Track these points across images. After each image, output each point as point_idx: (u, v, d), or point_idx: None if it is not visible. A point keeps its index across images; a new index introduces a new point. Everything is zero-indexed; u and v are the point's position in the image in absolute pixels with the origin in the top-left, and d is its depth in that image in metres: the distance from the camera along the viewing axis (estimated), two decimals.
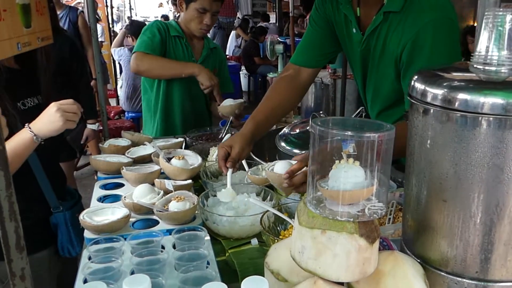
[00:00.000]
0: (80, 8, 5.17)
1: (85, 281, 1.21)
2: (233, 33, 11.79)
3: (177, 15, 2.85)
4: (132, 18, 12.34)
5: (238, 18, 12.89)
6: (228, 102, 2.55)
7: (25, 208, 1.22)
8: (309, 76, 2.09)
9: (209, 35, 3.06)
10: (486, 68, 0.93)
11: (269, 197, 1.70)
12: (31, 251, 0.76)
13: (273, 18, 12.76)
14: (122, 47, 6.26)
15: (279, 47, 8.89)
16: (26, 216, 1.26)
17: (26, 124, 1.58)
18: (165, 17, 13.27)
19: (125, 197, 1.65)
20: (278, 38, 9.42)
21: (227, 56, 11.47)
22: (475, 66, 0.95)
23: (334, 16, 1.93)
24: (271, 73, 9.01)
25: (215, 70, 2.87)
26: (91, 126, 3.65)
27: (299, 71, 2.07)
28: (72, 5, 5.94)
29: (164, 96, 2.78)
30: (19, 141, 1.56)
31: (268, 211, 1.49)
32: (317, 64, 2.10)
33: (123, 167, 1.90)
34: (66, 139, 3.36)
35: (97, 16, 7.33)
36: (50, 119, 1.57)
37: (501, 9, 0.89)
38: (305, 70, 2.07)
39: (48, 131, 1.58)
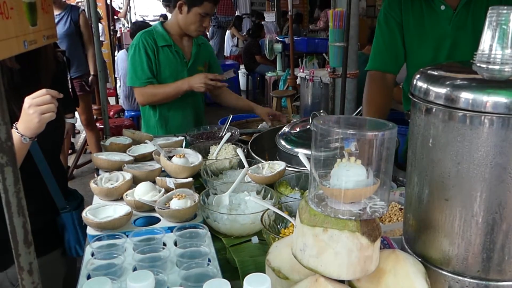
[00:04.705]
0: (81, 7, 5.15)
1: (88, 277, 1.22)
2: (228, 32, 11.77)
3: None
4: (132, 18, 12.30)
5: (238, 16, 12.88)
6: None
7: (35, 211, 1.20)
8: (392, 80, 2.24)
9: (208, 34, 3.13)
10: (490, 67, 0.93)
11: (269, 196, 1.70)
12: (41, 253, 0.76)
13: (272, 17, 12.75)
14: (122, 50, 6.28)
15: (278, 46, 8.92)
16: (37, 220, 1.25)
17: (14, 124, 1.50)
18: (164, 16, 13.24)
19: (127, 194, 1.66)
20: (277, 37, 9.45)
21: (225, 56, 11.47)
22: (478, 64, 0.95)
23: (412, 6, 2.04)
24: (269, 72, 9.03)
25: (206, 65, 2.94)
26: (69, 121, 3.57)
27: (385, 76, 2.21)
28: (73, 4, 5.91)
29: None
30: None
31: (268, 209, 1.49)
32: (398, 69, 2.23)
33: (125, 164, 1.91)
34: None
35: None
36: (26, 118, 1.49)
37: (505, 7, 0.89)
38: (390, 76, 2.22)
39: (29, 130, 1.49)
